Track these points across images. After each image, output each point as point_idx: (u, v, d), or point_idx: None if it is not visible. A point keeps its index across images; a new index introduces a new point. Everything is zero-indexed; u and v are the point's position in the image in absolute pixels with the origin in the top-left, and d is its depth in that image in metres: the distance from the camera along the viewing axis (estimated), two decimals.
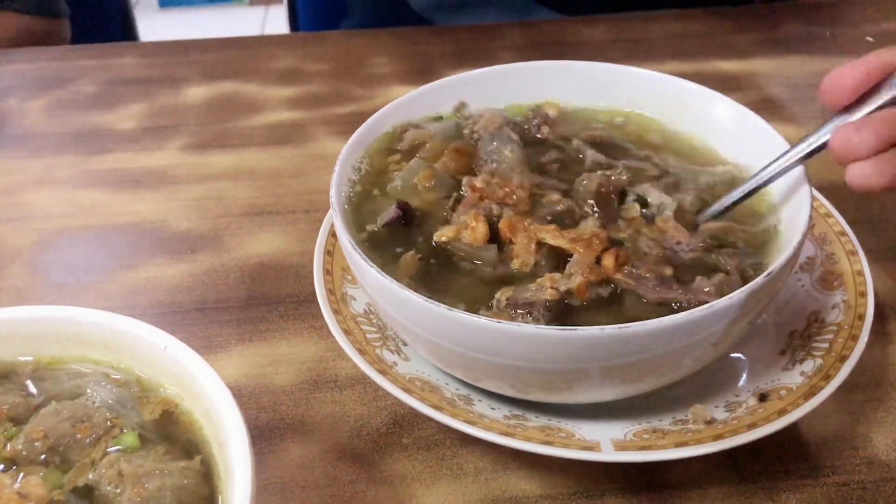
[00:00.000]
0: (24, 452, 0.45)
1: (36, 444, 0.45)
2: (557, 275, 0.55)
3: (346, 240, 0.56)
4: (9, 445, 0.45)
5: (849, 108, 0.58)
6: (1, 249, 0.81)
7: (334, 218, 0.58)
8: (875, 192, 0.55)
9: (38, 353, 0.51)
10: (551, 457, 0.53)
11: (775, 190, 0.63)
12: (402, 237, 0.61)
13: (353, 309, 0.63)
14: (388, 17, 1.41)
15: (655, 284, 0.54)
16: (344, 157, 0.63)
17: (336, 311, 0.61)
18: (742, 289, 0.51)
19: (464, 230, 0.59)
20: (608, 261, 0.56)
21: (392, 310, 0.55)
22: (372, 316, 0.63)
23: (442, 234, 0.60)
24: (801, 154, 0.59)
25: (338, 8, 1.56)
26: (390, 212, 0.61)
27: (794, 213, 0.59)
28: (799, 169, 0.60)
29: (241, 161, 0.92)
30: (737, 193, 0.62)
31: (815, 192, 0.59)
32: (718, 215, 0.62)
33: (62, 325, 0.51)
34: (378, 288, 0.55)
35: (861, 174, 0.55)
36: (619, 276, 0.55)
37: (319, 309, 0.63)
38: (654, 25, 1.19)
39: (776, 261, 0.53)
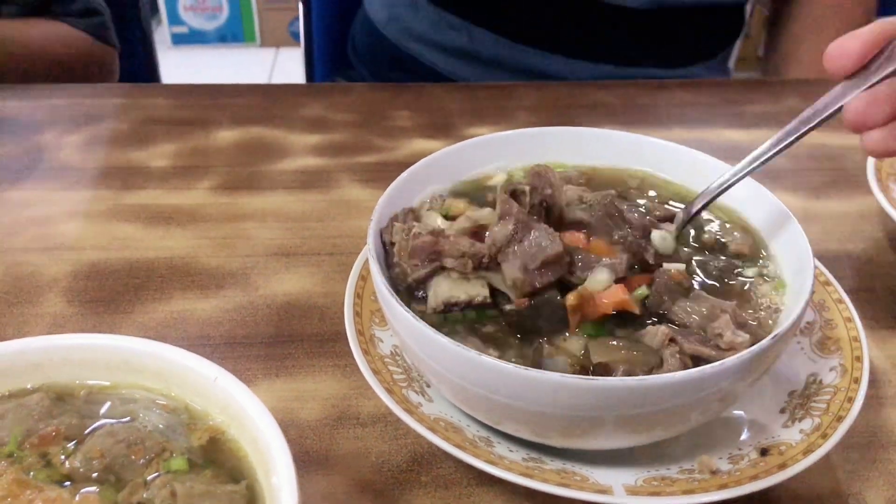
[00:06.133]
0: (81, 470, 0.48)
1: (93, 462, 0.48)
2: None
3: (381, 283, 0.60)
4: (67, 463, 0.49)
5: (854, 76, 0.62)
6: (38, 277, 0.84)
7: (370, 262, 0.62)
8: (892, 153, 0.61)
9: (90, 379, 0.55)
10: (565, 498, 0.56)
11: (781, 261, 0.67)
12: None
13: (380, 350, 0.67)
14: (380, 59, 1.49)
15: (697, 340, 0.58)
16: (381, 206, 0.67)
17: (365, 352, 0.65)
18: (748, 350, 0.55)
19: None
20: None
21: (421, 352, 0.59)
22: (398, 357, 0.67)
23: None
24: (819, 119, 0.63)
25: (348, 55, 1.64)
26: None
27: (797, 281, 0.63)
28: (803, 242, 0.64)
29: (269, 203, 0.97)
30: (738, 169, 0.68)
31: (816, 262, 0.64)
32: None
33: (115, 352, 0.54)
34: (409, 330, 0.58)
35: (879, 140, 0.60)
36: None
37: (343, 348, 0.66)
38: (661, 93, 1.25)
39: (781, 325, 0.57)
